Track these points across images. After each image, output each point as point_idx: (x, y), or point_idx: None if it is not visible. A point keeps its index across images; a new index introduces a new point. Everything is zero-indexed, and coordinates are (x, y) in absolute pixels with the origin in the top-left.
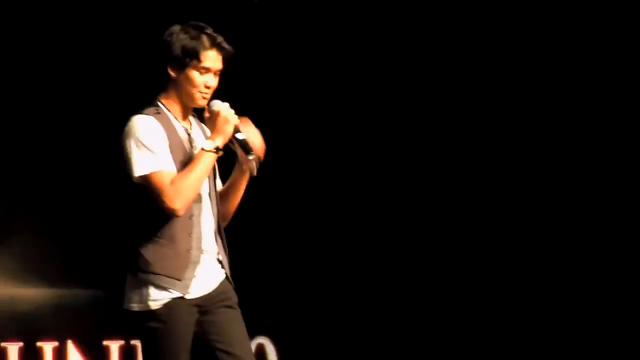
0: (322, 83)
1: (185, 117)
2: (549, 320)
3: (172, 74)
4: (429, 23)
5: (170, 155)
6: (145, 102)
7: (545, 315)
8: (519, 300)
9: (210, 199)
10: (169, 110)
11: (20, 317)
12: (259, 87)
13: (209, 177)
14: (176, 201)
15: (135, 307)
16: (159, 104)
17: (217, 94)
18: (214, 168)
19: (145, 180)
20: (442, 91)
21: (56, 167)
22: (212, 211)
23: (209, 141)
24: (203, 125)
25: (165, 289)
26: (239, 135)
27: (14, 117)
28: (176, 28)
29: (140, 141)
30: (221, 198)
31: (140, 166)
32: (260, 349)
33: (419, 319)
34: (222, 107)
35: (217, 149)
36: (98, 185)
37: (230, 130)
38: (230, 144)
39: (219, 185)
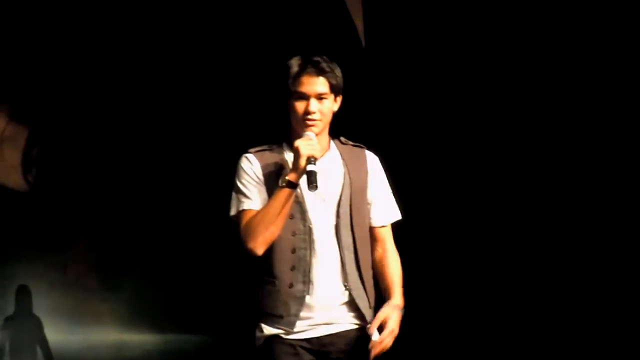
0: (429, 123)
1: None
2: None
3: (285, 105)
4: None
5: (259, 195)
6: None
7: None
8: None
9: (337, 231)
10: (288, 144)
11: None
12: (367, 129)
13: (339, 208)
14: (248, 240)
15: (248, 345)
16: (283, 140)
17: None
18: (349, 199)
19: (235, 220)
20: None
21: (164, 216)
22: (340, 243)
23: (283, 176)
24: (361, 158)
25: (269, 326)
26: (309, 167)
27: (123, 169)
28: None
29: (235, 183)
30: (376, 267)
31: (231, 207)
32: None
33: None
34: (298, 140)
35: (290, 184)
36: (205, 233)
37: (302, 162)
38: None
39: (377, 220)
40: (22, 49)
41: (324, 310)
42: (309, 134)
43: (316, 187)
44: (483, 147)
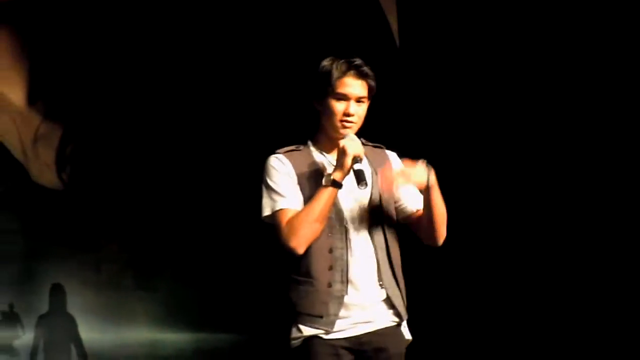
0: (463, 123)
1: (334, 149)
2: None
3: (316, 106)
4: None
5: (295, 193)
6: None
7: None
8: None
9: (370, 230)
10: (315, 145)
11: None
12: (402, 128)
13: (370, 207)
14: (291, 239)
15: (283, 346)
16: (308, 140)
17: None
18: (379, 198)
19: (269, 221)
20: None
21: (199, 216)
22: (373, 242)
23: (327, 175)
24: (383, 158)
25: (307, 326)
26: (355, 166)
27: (153, 169)
28: (324, 60)
29: (266, 182)
30: (421, 222)
31: (264, 208)
32: None
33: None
34: (343, 140)
35: (335, 183)
36: (240, 232)
37: (348, 161)
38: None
39: (419, 203)
40: (56, 48)
41: (362, 310)
42: (351, 134)
43: (367, 184)
44: (518, 146)
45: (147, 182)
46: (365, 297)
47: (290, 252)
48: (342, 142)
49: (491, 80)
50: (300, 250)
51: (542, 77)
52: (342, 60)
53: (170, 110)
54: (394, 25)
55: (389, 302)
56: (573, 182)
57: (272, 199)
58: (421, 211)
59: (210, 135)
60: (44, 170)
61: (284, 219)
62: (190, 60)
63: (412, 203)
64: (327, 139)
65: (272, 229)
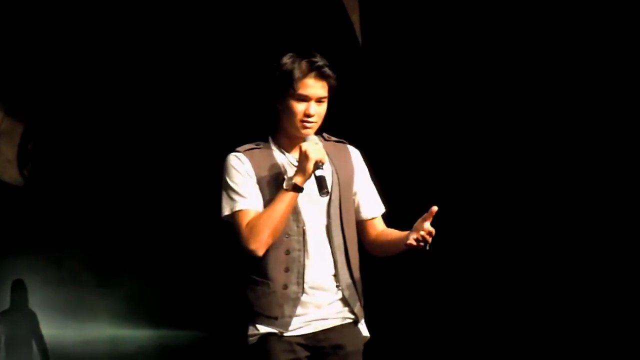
0: (425, 121)
1: (294, 148)
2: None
3: (276, 104)
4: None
5: (254, 193)
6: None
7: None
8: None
9: (328, 231)
10: (276, 143)
11: (123, 357)
12: (364, 126)
13: (329, 208)
14: (250, 241)
15: (240, 343)
16: (268, 137)
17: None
18: (339, 199)
19: (229, 221)
20: None
21: (159, 213)
22: (331, 243)
23: (288, 179)
24: (345, 154)
25: (264, 325)
26: (317, 172)
27: (115, 166)
28: (284, 57)
29: (226, 182)
30: (380, 240)
31: (224, 208)
32: None
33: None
34: (306, 143)
35: (295, 187)
36: (200, 230)
37: (310, 166)
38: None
39: (370, 212)
40: (18, 45)
41: (318, 309)
42: (313, 137)
43: (328, 192)
44: (478, 145)
45: (109, 180)
46: (321, 298)
47: (250, 254)
48: (304, 146)
49: (453, 77)
50: (260, 252)
51: (506, 74)
52: (304, 60)
53: (130, 109)
54: (357, 24)
55: (345, 302)
56: (527, 171)
57: (231, 199)
58: (375, 218)
59: (170, 134)
60: (5, 166)
61: (244, 221)
62: (150, 58)
63: (368, 210)
64: (287, 138)
65: (231, 229)
